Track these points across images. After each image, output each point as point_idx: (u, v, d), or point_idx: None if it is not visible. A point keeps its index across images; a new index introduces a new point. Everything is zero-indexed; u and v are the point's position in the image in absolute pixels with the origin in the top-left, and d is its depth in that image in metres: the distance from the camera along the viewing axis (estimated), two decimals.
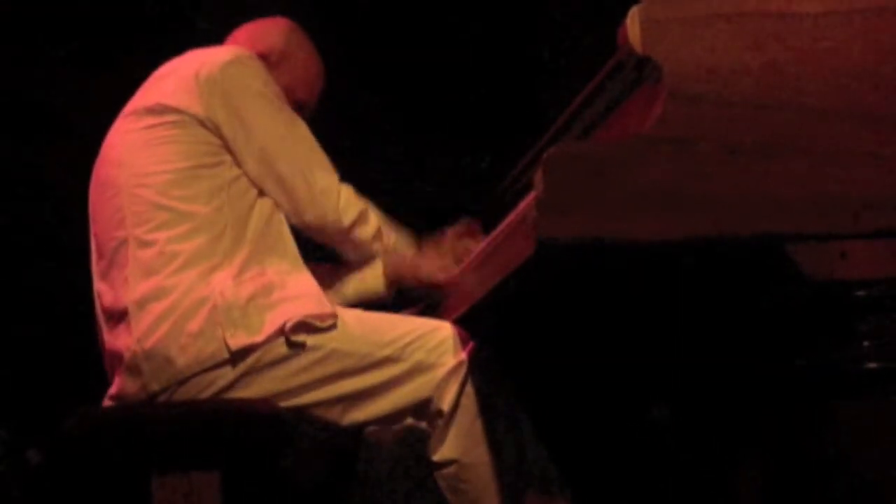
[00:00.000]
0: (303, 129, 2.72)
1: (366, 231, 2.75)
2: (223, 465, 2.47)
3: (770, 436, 2.46)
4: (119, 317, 2.57)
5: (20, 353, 3.80)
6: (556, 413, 2.95)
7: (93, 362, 2.73)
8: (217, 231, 2.57)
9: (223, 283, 2.52)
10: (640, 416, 3.00)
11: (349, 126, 2.87)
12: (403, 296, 2.92)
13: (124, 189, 2.62)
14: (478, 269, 2.38)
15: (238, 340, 2.49)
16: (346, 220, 2.70)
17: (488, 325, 2.59)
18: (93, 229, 2.71)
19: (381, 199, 2.83)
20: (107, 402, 2.60)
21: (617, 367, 2.91)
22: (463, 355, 2.57)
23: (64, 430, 2.49)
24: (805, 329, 2.08)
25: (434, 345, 2.58)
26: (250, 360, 2.50)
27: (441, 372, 2.56)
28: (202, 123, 2.61)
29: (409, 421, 2.64)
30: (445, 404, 2.56)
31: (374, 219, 2.77)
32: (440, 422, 2.57)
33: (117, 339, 2.57)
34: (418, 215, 2.92)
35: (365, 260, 2.84)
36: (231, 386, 2.50)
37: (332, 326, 2.55)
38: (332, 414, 2.57)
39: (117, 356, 2.56)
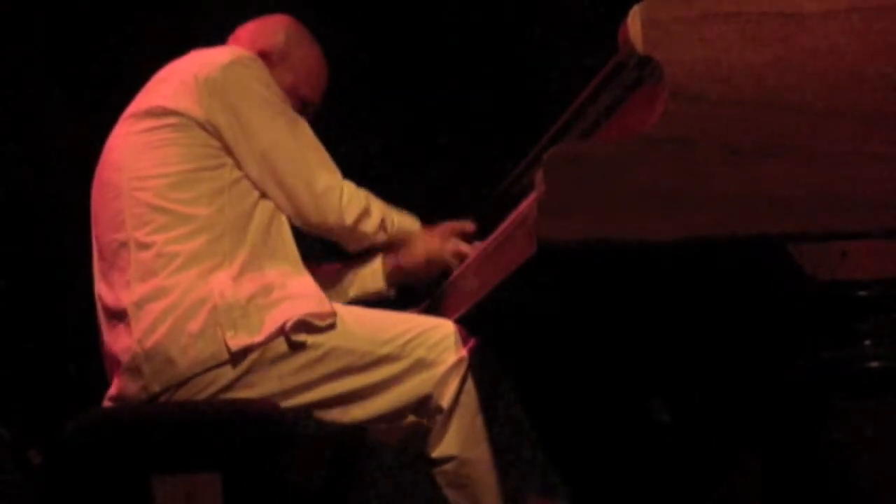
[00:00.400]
0: (304, 130, 2.72)
1: (369, 226, 2.74)
2: (224, 466, 2.47)
3: (770, 435, 2.46)
4: (119, 318, 2.57)
5: (21, 353, 3.80)
6: (556, 412, 2.95)
7: (93, 363, 2.73)
8: (217, 232, 2.57)
9: (223, 284, 2.52)
10: (639, 415, 3.00)
11: (348, 126, 2.87)
12: (406, 294, 2.92)
13: (124, 192, 2.62)
14: (479, 269, 2.38)
15: (238, 341, 2.49)
16: (349, 218, 2.70)
17: (489, 324, 2.59)
18: (94, 231, 2.72)
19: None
20: (107, 403, 2.60)
21: (617, 367, 2.91)
22: (463, 352, 2.57)
23: (65, 431, 2.49)
24: (806, 329, 2.08)
25: (434, 342, 2.58)
26: (250, 359, 2.51)
27: (441, 369, 2.57)
28: (202, 126, 2.61)
29: (411, 419, 2.64)
30: (445, 401, 2.56)
31: (377, 212, 2.76)
32: (440, 418, 2.57)
33: (117, 340, 2.57)
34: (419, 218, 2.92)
35: (367, 255, 2.84)
36: (231, 385, 2.51)
37: (332, 325, 2.55)
38: (333, 412, 2.57)
39: (117, 357, 2.57)
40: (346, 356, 2.55)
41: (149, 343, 2.50)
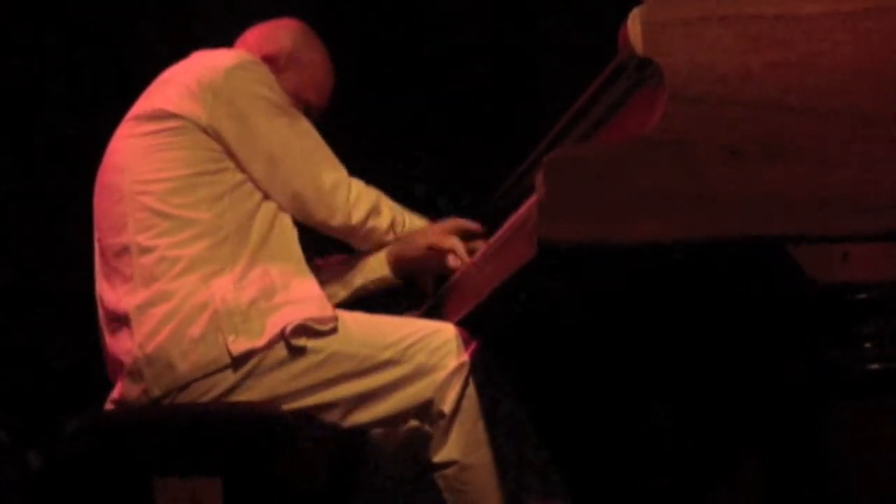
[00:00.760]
0: (308, 129, 2.72)
1: (379, 224, 2.74)
2: (225, 470, 2.47)
3: (771, 437, 2.46)
4: (121, 321, 2.57)
5: (21, 355, 3.80)
6: (557, 414, 2.95)
7: (94, 365, 2.73)
8: (219, 237, 2.57)
9: (224, 288, 2.52)
10: (640, 417, 3.00)
11: (349, 128, 2.87)
12: (407, 297, 2.92)
13: (127, 195, 2.62)
14: (479, 272, 2.38)
15: (239, 346, 2.49)
16: (358, 216, 2.70)
17: (490, 327, 2.58)
18: (96, 233, 2.72)
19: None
20: (108, 406, 2.60)
21: (618, 369, 2.91)
22: (465, 357, 2.57)
23: (65, 434, 2.49)
24: (806, 330, 2.08)
25: (435, 347, 2.58)
26: (251, 364, 2.51)
27: (443, 374, 2.56)
28: (204, 130, 2.61)
29: (412, 423, 2.64)
30: (447, 406, 2.56)
31: (387, 210, 2.76)
32: (441, 423, 2.57)
33: (119, 344, 2.57)
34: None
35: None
36: (232, 389, 2.51)
37: (333, 330, 2.55)
38: (334, 416, 2.57)
39: (119, 360, 2.57)
40: (347, 361, 2.54)
41: (150, 347, 2.50)
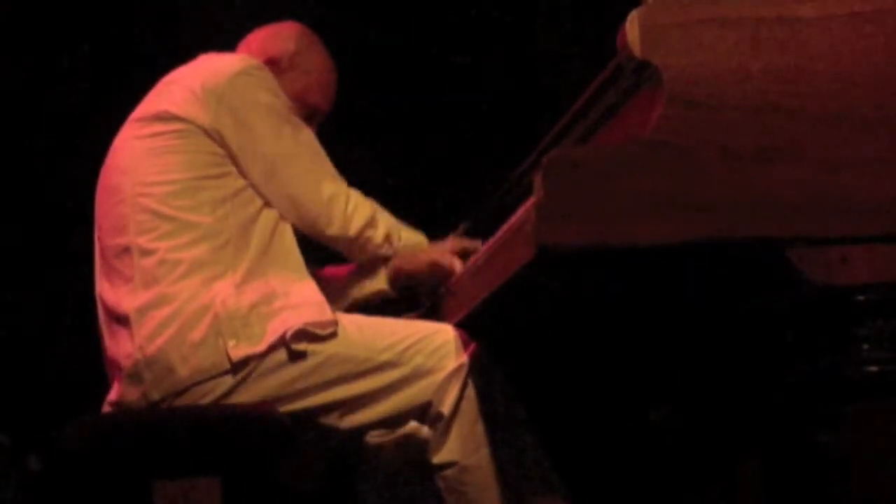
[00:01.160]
0: (309, 139, 2.72)
1: (375, 236, 2.74)
2: (224, 471, 2.48)
3: (771, 438, 2.47)
4: (121, 322, 2.57)
5: (21, 358, 3.80)
6: (556, 415, 2.95)
7: (94, 368, 2.73)
8: (220, 241, 2.57)
9: (225, 292, 2.52)
10: (641, 419, 3.00)
11: (348, 130, 2.87)
12: (406, 299, 2.92)
13: (129, 197, 2.61)
14: (477, 274, 2.38)
15: (239, 351, 2.49)
16: (354, 227, 2.70)
17: (488, 328, 2.59)
18: (97, 234, 2.71)
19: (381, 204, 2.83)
20: (107, 408, 2.60)
21: (617, 370, 2.91)
22: (463, 358, 2.57)
23: (64, 436, 2.49)
24: (805, 333, 2.08)
25: (434, 348, 2.58)
26: (250, 367, 2.51)
27: (441, 375, 2.57)
28: (208, 134, 2.60)
29: (411, 424, 2.65)
30: (446, 407, 2.56)
31: (383, 223, 2.76)
32: (441, 425, 2.57)
33: (119, 345, 2.57)
34: (418, 219, 2.92)
35: (370, 262, 2.84)
36: (230, 393, 2.51)
37: (333, 334, 2.55)
38: (332, 418, 2.57)
39: (118, 362, 2.57)
40: (346, 363, 2.55)
41: (150, 350, 2.50)
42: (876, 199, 1.98)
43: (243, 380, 2.51)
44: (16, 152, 3.91)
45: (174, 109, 2.62)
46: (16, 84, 3.90)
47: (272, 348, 2.51)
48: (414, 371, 2.57)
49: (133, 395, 2.53)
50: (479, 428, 2.56)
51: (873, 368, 2.02)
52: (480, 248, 2.73)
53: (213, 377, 2.49)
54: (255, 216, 2.63)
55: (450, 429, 2.56)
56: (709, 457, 2.80)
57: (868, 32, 2.03)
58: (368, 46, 3.92)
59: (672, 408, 2.96)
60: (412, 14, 4.02)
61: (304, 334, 2.52)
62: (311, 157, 2.70)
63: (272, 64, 2.79)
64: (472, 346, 2.60)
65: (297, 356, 2.52)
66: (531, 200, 2.01)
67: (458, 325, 2.60)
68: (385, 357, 2.56)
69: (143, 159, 2.62)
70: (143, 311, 2.53)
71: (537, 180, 1.96)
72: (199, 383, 2.49)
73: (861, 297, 2.01)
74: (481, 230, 2.85)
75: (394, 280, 2.86)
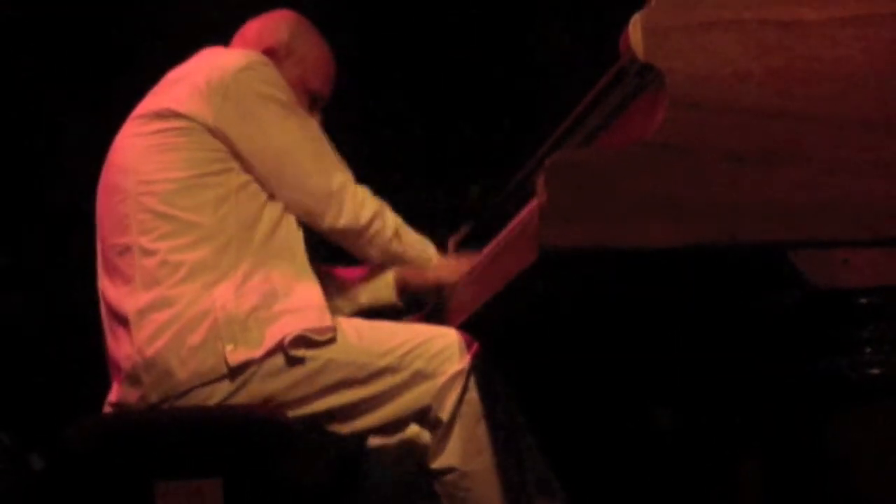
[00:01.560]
0: (316, 131, 2.71)
1: (384, 229, 2.72)
2: (226, 471, 2.48)
3: (772, 441, 2.47)
4: (121, 322, 2.57)
5: (22, 357, 3.80)
6: (557, 417, 2.95)
7: (95, 367, 2.73)
8: (222, 241, 2.56)
9: (225, 296, 2.51)
10: (642, 422, 3.00)
11: (345, 128, 2.87)
12: (413, 301, 2.92)
13: (130, 195, 2.61)
14: (480, 277, 2.38)
15: (237, 356, 2.48)
16: (364, 217, 2.68)
17: (490, 330, 2.59)
18: (99, 232, 2.71)
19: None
20: (107, 409, 2.60)
21: (619, 372, 2.91)
22: (464, 363, 2.57)
23: (67, 436, 2.49)
24: (807, 335, 2.08)
25: (434, 353, 2.57)
26: (248, 372, 2.50)
27: (441, 380, 2.56)
28: (211, 131, 2.59)
29: (412, 429, 2.64)
30: (444, 413, 2.56)
31: (392, 218, 2.74)
32: (440, 430, 2.56)
33: (119, 346, 2.57)
34: (419, 221, 2.91)
35: (379, 266, 2.83)
36: (228, 397, 2.50)
37: (332, 340, 2.54)
38: (332, 423, 2.57)
39: (118, 362, 2.57)
40: (345, 368, 2.54)
41: (149, 353, 2.50)
42: (878, 201, 1.98)
43: (242, 385, 2.50)
44: (15, 152, 3.91)
45: (177, 107, 2.61)
46: (15, 82, 3.91)
47: (270, 353, 2.50)
48: (413, 375, 2.56)
49: (132, 396, 2.53)
50: (480, 433, 2.56)
51: (875, 371, 2.02)
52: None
53: (211, 381, 2.48)
54: (259, 212, 2.62)
55: (449, 434, 2.56)
56: (709, 458, 2.80)
57: (870, 35, 2.03)
58: (369, 48, 3.92)
59: (673, 409, 2.96)
60: (414, 13, 4.02)
61: (303, 340, 2.52)
62: (318, 148, 2.69)
63: (269, 54, 2.78)
64: (475, 348, 2.59)
65: (295, 362, 2.51)
66: (534, 203, 2.01)
67: (461, 328, 2.60)
68: (384, 362, 2.56)
69: (145, 157, 2.62)
70: (144, 313, 2.53)
71: (540, 183, 1.96)
72: (197, 387, 2.49)
73: (863, 300, 2.01)
74: (483, 232, 2.85)
75: (401, 294, 2.86)
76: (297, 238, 2.67)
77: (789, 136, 1.99)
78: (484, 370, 2.58)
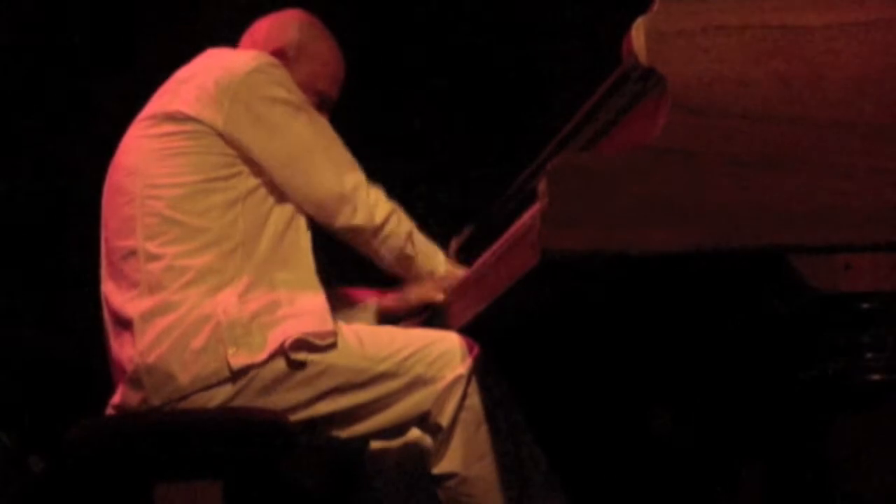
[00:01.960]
0: (328, 131, 2.69)
1: (398, 230, 2.69)
2: (226, 475, 2.47)
3: (773, 446, 2.47)
4: (124, 325, 2.56)
5: (22, 358, 3.80)
6: (559, 421, 2.95)
7: (96, 369, 2.73)
8: (228, 247, 2.55)
9: (228, 301, 2.50)
10: (644, 425, 3.00)
11: (351, 132, 2.87)
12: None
13: (137, 198, 2.60)
14: (481, 280, 2.38)
15: (239, 360, 2.48)
16: (379, 217, 2.66)
17: (491, 333, 2.58)
18: (103, 233, 2.70)
19: None
20: (109, 411, 2.60)
21: (619, 376, 2.91)
22: (465, 368, 2.56)
23: (67, 438, 2.49)
24: (809, 340, 2.08)
25: (434, 358, 2.57)
26: (249, 376, 2.50)
27: (440, 385, 2.56)
28: (220, 134, 2.58)
29: (413, 433, 2.64)
30: (444, 418, 2.55)
31: (406, 220, 2.72)
32: (440, 435, 2.56)
33: (122, 349, 2.56)
34: (419, 222, 2.91)
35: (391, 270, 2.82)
36: (230, 401, 2.50)
37: (333, 345, 2.53)
38: (332, 428, 2.56)
39: (121, 365, 2.56)
40: (345, 373, 2.53)
41: (151, 357, 2.49)
42: (880, 206, 1.99)
43: (243, 389, 2.49)
44: (14, 152, 3.91)
45: (186, 109, 2.59)
46: (14, 80, 3.91)
47: (272, 357, 2.50)
48: (413, 381, 2.55)
49: (134, 400, 2.52)
50: (482, 437, 2.56)
51: (876, 376, 2.02)
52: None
53: (213, 385, 2.48)
54: (266, 217, 2.60)
55: (450, 439, 2.56)
56: (711, 462, 2.80)
57: (872, 40, 2.03)
58: (369, 50, 3.92)
59: (675, 412, 2.96)
60: (416, 16, 4.02)
61: (303, 344, 2.51)
62: (330, 147, 2.67)
63: (278, 55, 2.76)
64: (476, 352, 2.59)
65: (295, 366, 2.51)
66: (535, 207, 2.01)
67: (462, 331, 2.60)
68: (384, 367, 2.55)
69: (154, 160, 2.60)
70: (147, 317, 2.52)
71: (541, 187, 1.96)
72: (199, 391, 2.48)
73: (865, 305, 2.01)
74: (485, 235, 2.85)
75: (384, 317, 2.87)
76: (306, 244, 2.65)
77: (791, 141, 1.99)
78: (485, 374, 2.58)
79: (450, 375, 2.56)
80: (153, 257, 2.55)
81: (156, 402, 2.50)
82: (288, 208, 2.64)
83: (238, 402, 2.50)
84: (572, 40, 3.91)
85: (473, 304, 2.43)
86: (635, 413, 3.04)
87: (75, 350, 3.62)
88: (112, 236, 2.65)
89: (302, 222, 2.66)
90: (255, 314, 2.51)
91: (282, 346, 2.50)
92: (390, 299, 2.86)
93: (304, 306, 2.56)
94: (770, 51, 2.01)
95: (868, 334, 2.02)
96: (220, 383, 2.48)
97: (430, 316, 2.83)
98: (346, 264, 2.81)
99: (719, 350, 2.53)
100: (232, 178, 2.59)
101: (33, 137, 3.90)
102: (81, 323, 2.99)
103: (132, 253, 2.58)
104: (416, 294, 2.79)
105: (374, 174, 2.74)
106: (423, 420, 2.57)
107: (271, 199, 2.62)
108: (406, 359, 2.56)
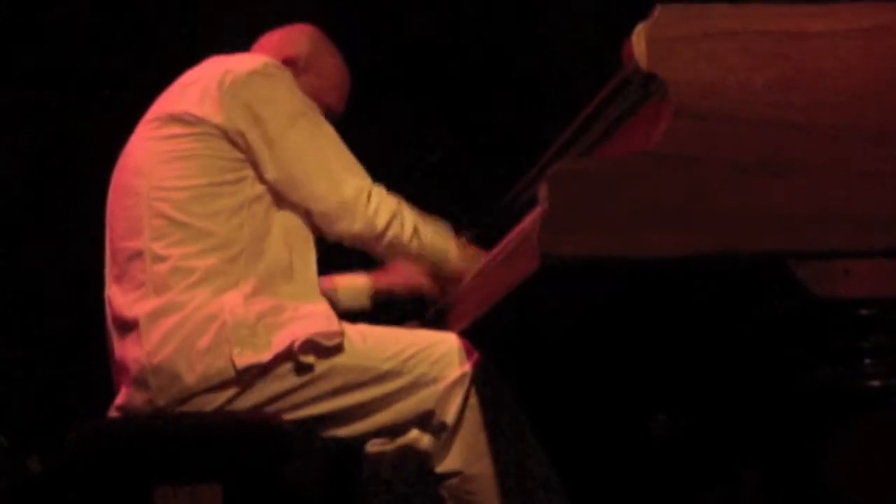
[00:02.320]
0: (330, 134, 2.68)
1: (402, 233, 2.68)
2: (225, 477, 2.48)
3: (772, 450, 2.47)
4: (129, 327, 2.56)
5: (22, 359, 3.80)
6: (559, 425, 2.95)
7: (96, 370, 2.73)
8: (234, 250, 2.55)
9: (233, 302, 2.51)
10: (642, 428, 3.00)
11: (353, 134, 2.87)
12: (409, 307, 2.93)
13: (144, 200, 2.60)
14: (482, 284, 2.39)
15: (245, 359, 2.48)
16: (380, 224, 2.65)
17: (492, 338, 2.59)
18: (108, 234, 2.70)
19: None
20: (113, 413, 2.59)
21: (619, 381, 2.91)
22: (466, 368, 2.57)
23: (67, 440, 2.49)
24: (807, 345, 2.09)
25: (436, 358, 2.58)
26: (255, 376, 2.50)
27: (443, 385, 2.57)
28: (225, 135, 2.58)
29: (413, 433, 2.65)
30: (449, 417, 2.56)
31: (409, 218, 2.70)
32: (444, 434, 2.57)
33: (126, 350, 2.56)
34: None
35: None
36: (234, 400, 2.50)
37: (339, 345, 2.54)
38: (334, 426, 2.57)
39: (126, 367, 2.56)
40: (349, 372, 2.54)
41: (157, 358, 2.49)
42: (881, 213, 1.99)
43: (246, 388, 2.50)
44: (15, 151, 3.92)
45: (192, 110, 2.59)
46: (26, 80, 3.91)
47: (278, 359, 2.50)
48: (416, 380, 2.56)
49: (139, 400, 2.53)
50: (483, 437, 2.57)
51: (875, 382, 2.03)
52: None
53: (218, 385, 2.48)
54: (271, 225, 2.61)
55: (453, 438, 2.57)
56: (710, 465, 2.80)
57: (874, 47, 2.04)
58: (370, 51, 3.92)
59: (674, 416, 2.96)
60: (417, 19, 4.02)
61: (312, 345, 2.52)
62: (332, 153, 2.66)
63: (288, 64, 2.77)
64: (476, 355, 2.60)
65: (302, 367, 2.51)
66: (536, 211, 2.01)
67: (462, 334, 2.61)
68: (388, 366, 2.56)
69: (161, 162, 2.60)
70: (153, 317, 2.52)
71: (542, 192, 1.96)
72: (204, 391, 2.48)
73: (864, 311, 2.01)
74: (485, 239, 2.85)
75: (375, 299, 2.87)
76: (309, 255, 2.66)
77: (792, 147, 2.00)
78: (486, 375, 2.58)
79: (451, 375, 2.57)
80: (159, 258, 2.55)
81: (161, 402, 2.50)
82: (293, 219, 2.64)
83: (242, 402, 2.50)
84: (573, 44, 3.92)
85: (474, 308, 2.44)
86: (635, 416, 3.04)
87: (77, 350, 3.63)
88: (117, 238, 2.65)
89: (307, 234, 2.67)
90: (260, 315, 2.51)
91: (290, 347, 2.50)
92: (382, 281, 2.89)
93: (310, 309, 2.56)
94: (771, 57, 2.02)
95: (867, 340, 2.03)
96: (224, 383, 2.49)
97: (430, 318, 2.84)
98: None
99: (719, 355, 2.54)
100: (238, 182, 2.59)
101: None
102: (83, 323, 2.99)
103: (138, 254, 2.58)
104: (404, 279, 2.83)
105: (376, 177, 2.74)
106: (426, 419, 2.58)
107: (276, 208, 2.62)
108: (409, 358, 2.57)
